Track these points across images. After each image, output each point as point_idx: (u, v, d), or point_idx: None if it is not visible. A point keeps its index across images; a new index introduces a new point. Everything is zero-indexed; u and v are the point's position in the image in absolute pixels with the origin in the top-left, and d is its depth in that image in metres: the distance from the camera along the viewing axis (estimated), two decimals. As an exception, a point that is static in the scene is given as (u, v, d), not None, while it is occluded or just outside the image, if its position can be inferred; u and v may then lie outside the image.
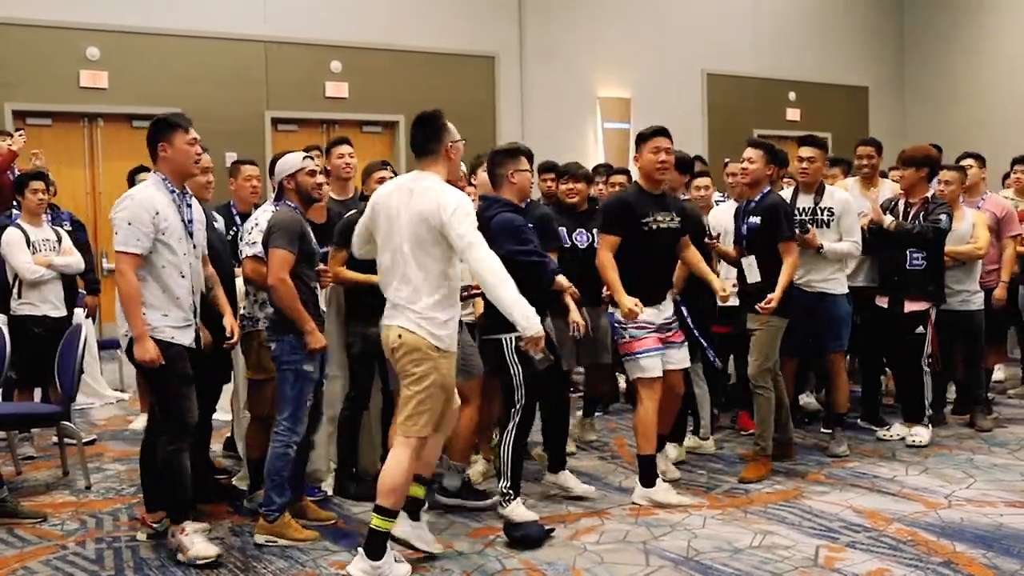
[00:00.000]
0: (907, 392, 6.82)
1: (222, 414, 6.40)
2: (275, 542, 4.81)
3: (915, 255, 6.51)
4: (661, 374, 5.43)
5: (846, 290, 6.35)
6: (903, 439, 6.63)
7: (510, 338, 4.97)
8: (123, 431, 7.44)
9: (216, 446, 6.43)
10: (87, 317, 7.52)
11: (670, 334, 5.54)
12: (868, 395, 7.09)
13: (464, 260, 4.34)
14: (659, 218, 5.38)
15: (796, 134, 15.99)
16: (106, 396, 8.56)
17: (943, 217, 6.44)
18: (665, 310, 5.52)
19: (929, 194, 6.56)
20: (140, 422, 7.40)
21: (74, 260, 6.94)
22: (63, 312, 6.83)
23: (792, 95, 16.21)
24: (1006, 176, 8.53)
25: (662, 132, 5.43)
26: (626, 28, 14.44)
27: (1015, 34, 15.54)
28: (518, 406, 5.10)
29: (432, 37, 13.13)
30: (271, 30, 12.20)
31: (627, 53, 14.46)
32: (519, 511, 5.03)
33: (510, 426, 5.10)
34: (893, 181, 7.21)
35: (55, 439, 6.44)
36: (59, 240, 6.96)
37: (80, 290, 7.51)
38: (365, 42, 12.76)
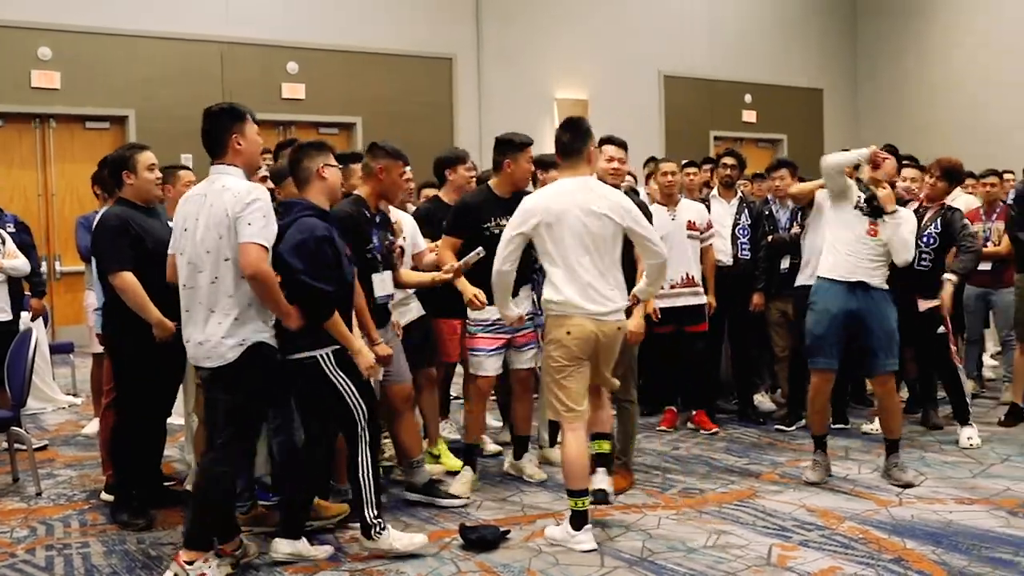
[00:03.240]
0: (947, 394, 6.90)
1: (175, 418, 6.34)
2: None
3: (923, 256, 6.59)
4: (494, 374, 5.70)
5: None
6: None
7: (327, 353, 4.51)
8: (75, 436, 7.34)
9: (171, 451, 6.38)
10: (32, 320, 7.41)
11: (518, 335, 5.66)
12: (836, 397, 7.18)
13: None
14: (502, 222, 5.38)
15: (752, 136, 16.24)
16: (58, 401, 8.44)
17: (974, 242, 6.71)
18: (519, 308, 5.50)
19: (946, 202, 6.71)
20: (92, 427, 7.32)
21: (20, 262, 6.85)
22: (9, 316, 6.74)
23: (748, 97, 16.35)
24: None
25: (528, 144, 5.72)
26: (583, 30, 14.50)
27: (963, 37, 15.78)
28: (362, 426, 4.58)
29: (389, 38, 13.12)
30: (227, 31, 12.13)
31: (584, 55, 14.52)
32: (397, 536, 4.68)
33: (361, 452, 4.60)
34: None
35: (5, 445, 6.34)
36: (3, 242, 6.86)
37: (25, 292, 7.39)
38: (322, 43, 12.72)
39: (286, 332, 4.46)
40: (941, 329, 6.64)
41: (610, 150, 5.71)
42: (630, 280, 5.20)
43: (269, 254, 4.28)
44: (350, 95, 12.84)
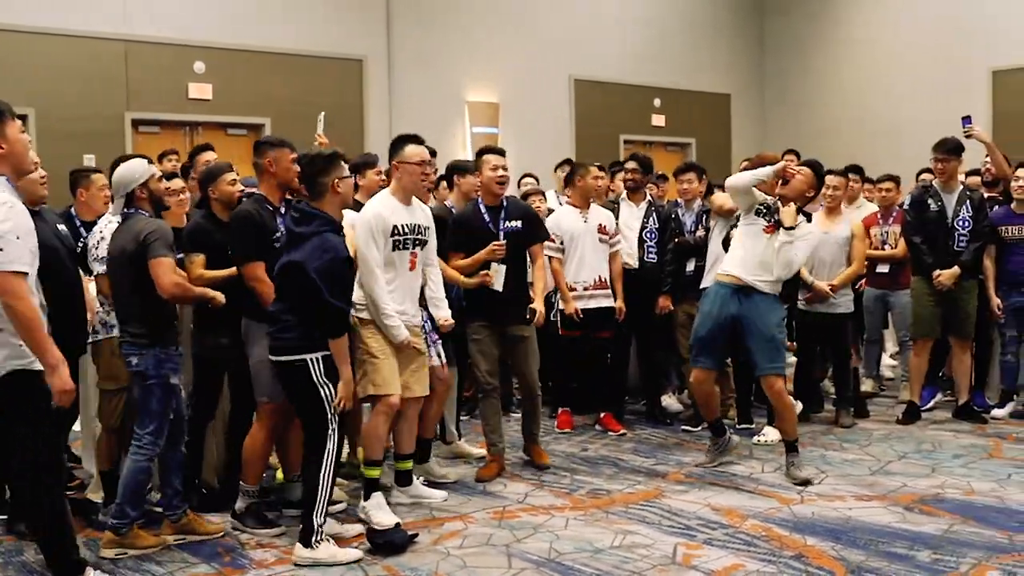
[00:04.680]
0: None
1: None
2: (125, 554, 4.70)
3: None
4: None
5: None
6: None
7: (317, 358, 4.60)
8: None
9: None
10: None
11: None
12: (741, 398, 7.37)
13: None
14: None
15: (661, 140, 16.43)
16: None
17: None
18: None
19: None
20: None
21: None
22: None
23: (657, 101, 16.52)
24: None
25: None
26: (495, 33, 14.52)
27: (867, 35, 16.11)
28: (332, 430, 4.64)
29: (299, 39, 12.96)
30: (131, 29, 11.86)
31: (496, 58, 14.54)
32: (331, 550, 4.67)
33: (326, 458, 4.63)
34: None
35: None
36: None
37: None
38: (229, 43, 12.51)
39: (278, 333, 4.60)
40: None
41: (494, 159, 5.87)
42: None
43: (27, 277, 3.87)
44: (259, 96, 12.64)
